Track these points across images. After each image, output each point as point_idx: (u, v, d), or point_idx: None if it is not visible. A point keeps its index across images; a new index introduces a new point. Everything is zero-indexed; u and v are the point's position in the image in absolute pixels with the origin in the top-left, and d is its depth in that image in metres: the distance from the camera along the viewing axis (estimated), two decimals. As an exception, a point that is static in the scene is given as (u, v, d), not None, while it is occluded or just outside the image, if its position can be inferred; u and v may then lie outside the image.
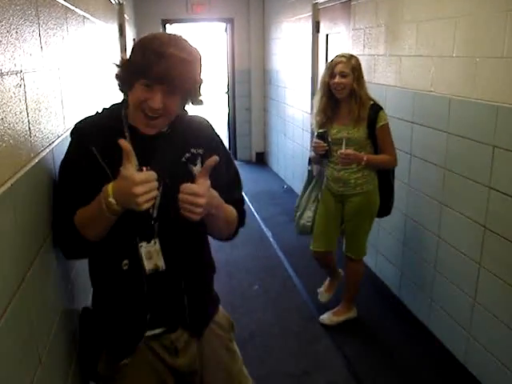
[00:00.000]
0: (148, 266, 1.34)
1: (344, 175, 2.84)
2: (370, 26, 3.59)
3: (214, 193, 1.25)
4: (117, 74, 1.29)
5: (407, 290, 3.31)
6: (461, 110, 2.59)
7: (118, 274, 1.34)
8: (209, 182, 1.22)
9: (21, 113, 1.12)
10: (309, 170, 3.13)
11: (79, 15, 2.10)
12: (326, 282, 3.30)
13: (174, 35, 1.27)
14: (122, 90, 1.33)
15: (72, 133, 1.35)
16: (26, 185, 1.12)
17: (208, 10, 7.00)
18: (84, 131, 1.33)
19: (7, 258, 0.97)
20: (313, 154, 2.92)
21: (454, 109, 2.64)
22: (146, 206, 1.15)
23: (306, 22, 5.11)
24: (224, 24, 7.30)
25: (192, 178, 1.25)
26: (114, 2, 3.86)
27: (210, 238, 1.53)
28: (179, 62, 1.19)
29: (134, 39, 5.28)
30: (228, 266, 3.88)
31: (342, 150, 2.69)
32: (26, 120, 1.16)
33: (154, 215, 1.33)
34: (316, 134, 2.81)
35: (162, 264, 1.35)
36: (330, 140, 2.78)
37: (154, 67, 1.18)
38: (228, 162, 1.48)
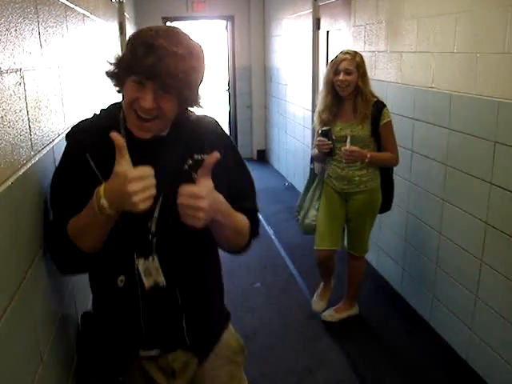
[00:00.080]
0: (147, 282, 1.23)
1: (348, 173, 2.82)
2: (371, 22, 3.58)
3: (220, 197, 1.12)
4: (107, 72, 1.17)
5: (409, 286, 3.31)
6: (462, 106, 2.58)
7: (113, 290, 1.25)
8: (211, 183, 1.09)
9: (21, 111, 1.12)
10: (311, 169, 3.11)
11: (79, 13, 2.10)
12: (320, 290, 3.21)
13: (170, 27, 1.15)
14: (118, 91, 1.21)
15: (67, 136, 1.26)
16: (26, 183, 1.12)
17: (208, 7, 6.99)
18: (78, 136, 1.23)
19: (7, 257, 0.97)
20: (315, 151, 2.89)
21: (455, 105, 2.63)
22: (142, 206, 1.02)
23: (307, 18, 5.10)
24: (224, 21, 7.29)
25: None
26: (114, 0, 3.85)
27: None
28: (168, 55, 1.05)
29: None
30: (229, 263, 3.88)
31: (347, 147, 2.67)
32: (26, 118, 1.16)
33: (153, 229, 1.21)
34: (320, 131, 2.78)
35: (162, 280, 1.23)
36: (333, 138, 2.75)
37: (142, 61, 1.05)
38: (239, 168, 1.35)
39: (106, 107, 1.29)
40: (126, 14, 4.50)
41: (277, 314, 3.26)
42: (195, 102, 1.18)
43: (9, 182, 0.99)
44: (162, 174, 1.07)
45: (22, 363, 1.00)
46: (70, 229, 1.16)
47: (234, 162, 1.32)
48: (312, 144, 3.17)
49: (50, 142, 1.40)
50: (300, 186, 4.81)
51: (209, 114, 1.34)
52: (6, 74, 1.02)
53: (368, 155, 2.71)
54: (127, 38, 1.17)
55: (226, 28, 7.33)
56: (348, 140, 2.69)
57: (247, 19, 7.15)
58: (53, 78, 1.49)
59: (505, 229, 2.29)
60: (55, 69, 1.53)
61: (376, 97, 2.79)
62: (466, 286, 2.63)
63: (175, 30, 1.13)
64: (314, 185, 3.06)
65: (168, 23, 6.98)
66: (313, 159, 3.07)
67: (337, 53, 2.83)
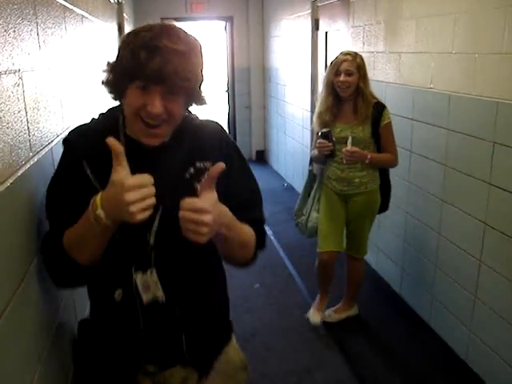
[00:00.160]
0: (146, 297, 1.17)
1: (349, 174, 2.80)
2: (370, 22, 3.58)
3: (224, 208, 1.05)
4: (104, 81, 1.10)
5: (408, 286, 3.31)
6: (461, 107, 2.58)
7: (111, 304, 1.19)
8: (215, 195, 1.02)
9: (19, 112, 1.12)
10: (309, 170, 3.09)
11: (78, 14, 2.10)
12: (317, 301, 3.15)
13: (166, 24, 1.06)
14: (115, 98, 1.15)
15: (64, 142, 1.19)
16: (24, 184, 1.12)
17: (207, 8, 7.00)
18: (75, 142, 1.17)
19: (6, 257, 0.97)
20: (315, 152, 2.87)
21: (454, 105, 2.63)
22: (140, 216, 0.96)
23: (306, 19, 5.10)
24: (223, 22, 7.30)
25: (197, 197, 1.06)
26: (112, 1, 3.85)
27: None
28: (176, 54, 1.00)
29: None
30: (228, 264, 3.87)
31: (348, 148, 2.66)
32: (25, 119, 1.16)
33: (151, 242, 1.15)
34: (320, 133, 2.76)
35: (161, 294, 1.17)
36: (334, 139, 2.73)
37: (147, 65, 0.99)
38: (245, 176, 1.27)
39: (104, 112, 1.24)
40: (124, 14, 4.50)
41: (276, 315, 3.26)
42: (201, 99, 1.14)
43: (8, 183, 0.99)
44: (162, 183, 1.01)
45: (16, 371, 0.99)
46: (66, 240, 1.10)
47: (239, 169, 1.24)
48: (311, 145, 3.14)
49: (49, 143, 1.40)
50: (299, 186, 4.81)
51: (212, 118, 1.29)
52: (4, 75, 1.02)
53: (368, 156, 2.70)
54: (121, 41, 1.09)
55: (225, 29, 7.33)
56: (349, 141, 2.67)
57: (246, 20, 7.15)
58: (51, 79, 1.49)
59: (504, 229, 2.30)
60: (54, 70, 1.53)
61: (376, 98, 2.79)
62: (465, 286, 2.63)
63: (173, 27, 1.06)
64: (314, 188, 3.02)
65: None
66: (312, 161, 3.05)
67: (336, 53, 2.82)
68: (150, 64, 0.99)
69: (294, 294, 3.54)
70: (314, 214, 2.99)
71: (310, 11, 4.96)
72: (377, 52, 3.50)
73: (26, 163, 1.14)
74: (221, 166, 1.01)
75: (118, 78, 1.07)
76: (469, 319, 2.61)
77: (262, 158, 7.62)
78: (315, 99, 3.09)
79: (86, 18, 2.35)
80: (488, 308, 2.45)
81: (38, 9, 1.38)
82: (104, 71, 1.10)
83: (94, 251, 1.10)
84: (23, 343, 1.03)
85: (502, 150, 2.28)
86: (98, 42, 2.76)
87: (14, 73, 1.10)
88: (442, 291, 2.88)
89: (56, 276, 1.17)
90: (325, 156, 2.80)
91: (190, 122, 1.20)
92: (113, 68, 1.09)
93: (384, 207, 2.96)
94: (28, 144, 1.18)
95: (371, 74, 3.47)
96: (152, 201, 0.98)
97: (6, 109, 1.02)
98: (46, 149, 1.36)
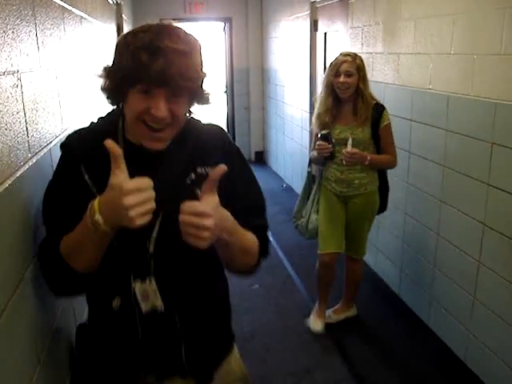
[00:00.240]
0: (145, 306, 1.13)
1: (349, 176, 2.79)
2: (368, 23, 3.59)
3: (225, 213, 1.02)
4: (105, 87, 1.06)
5: (407, 287, 3.31)
6: (459, 108, 2.59)
7: (109, 312, 1.15)
8: (216, 199, 0.99)
9: (18, 113, 1.12)
10: (308, 172, 3.06)
11: (76, 15, 2.10)
12: (317, 308, 3.11)
13: (165, 24, 1.03)
14: (113, 103, 1.12)
15: (61, 146, 1.15)
16: (23, 185, 1.12)
17: (206, 9, 7.00)
18: (72, 146, 1.13)
19: (5, 259, 0.97)
20: (315, 154, 2.84)
21: (453, 106, 2.64)
22: (140, 221, 0.92)
23: (304, 20, 5.11)
24: (222, 23, 7.30)
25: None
26: (111, 2, 3.85)
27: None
28: (178, 55, 0.97)
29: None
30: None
31: (348, 149, 2.64)
32: (24, 120, 1.16)
33: (151, 250, 1.11)
34: (320, 135, 2.73)
35: (160, 304, 1.14)
36: (333, 141, 2.71)
37: (150, 67, 0.96)
38: (248, 181, 1.24)
39: (103, 116, 1.20)
40: (123, 15, 4.51)
41: (275, 315, 3.26)
42: (204, 98, 1.11)
43: (6, 184, 0.99)
44: (162, 189, 0.98)
45: (12, 378, 0.97)
46: (63, 247, 1.07)
47: (242, 174, 1.21)
48: (310, 146, 3.13)
49: (48, 144, 1.40)
50: (298, 187, 4.81)
51: (213, 121, 1.27)
52: (2, 76, 1.02)
53: (368, 158, 2.69)
54: (117, 43, 1.05)
55: (224, 30, 7.34)
56: (349, 142, 2.66)
57: (245, 21, 7.16)
58: (50, 79, 1.49)
59: (502, 230, 2.30)
60: (53, 71, 1.53)
61: (375, 99, 2.78)
62: (464, 286, 2.63)
63: (173, 26, 1.03)
64: (313, 190, 2.99)
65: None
66: (311, 162, 3.03)
67: (334, 54, 2.81)
68: (152, 66, 0.96)
69: (292, 294, 3.54)
70: (314, 216, 2.97)
71: (308, 12, 4.96)
72: (375, 53, 3.50)
73: (24, 164, 1.14)
74: (222, 168, 0.98)
75: (118, 82, 1.03)
76: (467, 319, 2.61)
77: (260, 158, 7.62)
78: (314, 100, 3.08)
79: (85, 19, 2.36)
80: (487, 308, 2.45)
81: (37, 10, 1.38)
82: (100, 76, 1.05)
83: (91, 258, 1.06)
84: (18, 349, 1.02)
85: (500, 151, 2.28)
86: (96, 43, 2.76)
87: (13, 74, 1.10)
88: (440, 292, 2.89)
89: (53, 284, 1.14)
90: (324, 158, 2.78)
91: (192, 126, 1.17)
92: (110, 72, 1.05)
93: (382, 208, 2.96)
94: (27, 145, 1.18)
95: (370, 74, 3.47)
96: (152, 205, 0.94)
97: (5, 110, 1.02)
98: (45, 150, 1.36)
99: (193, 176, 1.13)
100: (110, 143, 0.94)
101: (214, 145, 1.18)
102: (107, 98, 1.09)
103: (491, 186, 2.35)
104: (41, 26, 1.41)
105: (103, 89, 1.07)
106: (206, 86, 1.10)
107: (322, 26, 4.80)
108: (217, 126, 1.25)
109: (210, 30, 7.91)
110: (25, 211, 1.13)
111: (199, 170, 1.13)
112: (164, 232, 1.10)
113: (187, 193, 1.08)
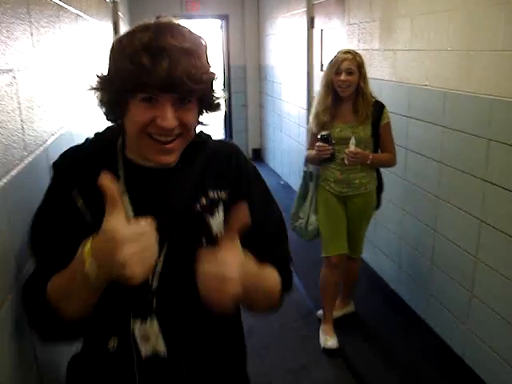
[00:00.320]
0: (145, 350, 0.98)
1: (349, 176, 2.74)
2: (365, 20, 3.58)
3: (247, 260, 0.88)
4: (103, 100, 0.92)
5: (404, 284, 3.32)
6: (456, 104, 2.59)
7: (104, 354, 0.99)
8: (239, 248, 0.86)
9: (13, 111, 1.11)
10: (304, 171, 2.99)
11: (72, 13, 2.09)
12: (324, 326, 2.95)
13: (165, 22, 0.90)
14: (112, 120, 0.98)
15: (54, 166, 1.02)
16: (19, 184, 1.12)
17: (203, 6, 7.00)
18: (65, 169, 0.99)
19: (5, 257, 0.97)
20: (311, 153, 2.79)
21: (450, 102, 2.64)
22: (140, 277, 0.78)
23: (301, 17, 5.10)
24: (219, 21, 7.30)
25: (210, 235, 0.92)
26: (107, 0, 3.84)
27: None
28: (183, 55, 0.84)
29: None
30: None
31: (352, 149, 2.61)
32: (19, 118, 1.16)
33: (154, 286, 0.96)
34: (320, 136, 2.67)
35: (162, 348, 0.98)
36: (334, 142, 2.66)
37: (153, 70, 0.82)
38: (266, 206, 1.09)
39: (100, 131, 1.07)
40: (119, 13, 4.48)
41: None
42: (215, 104, 0.97)
43: (2, 183, 0.99)
44: (168, 216, 0.87)
45: None
46: (51, 289, 0.91)
47: (260, 199, 1.07)
48: (307, 145, 3.08)
49: (44, 143, 1.39)
50: (295, 184, 4.80)
51: (228, 140, 1.14)
52: (-3, 75, 1.02)
53: (370, 157, 2.66)
54: (111, 48, 0.92)
55: (221, 27, 7.33)
56: (352, 141, 2.62)
57: (242, 18, 7.15)
58: (46, 78, 1.49)
59: (499, 226, 2.30)
60: (48, 69, 1.53)
61: (374, 97, 2.76)
62: (461, 283, 2.63)
63: (175, 24, 0.90)
64: (311, 191, 2.93)
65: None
66: (307, 161, 2.97)
67: (331, 51, 2.80)
68: (156, 69, 0.82)
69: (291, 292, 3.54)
70: (313, 217, 2.91)
71: (305, 9, 4.96)
72: (372, 50, 3.50)
73: (20, 163, 1.14)
74: (243, 208, 0.85)
75: (115, 93, 0.89)
76: (465, 316, 2.62)
77: (258, 156, 7.62)
78: (311, 98, 3.06)
79: (81, 16, 2.35)
80: (484, 304, 2.45)
81: (32, 8, 1.37)
82: (94, 89, 0.92)
83: (82, 305, 0.90)
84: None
85: (497, 147, 2.28)
86: (92, 40, 2.76)
87: (8, 72, 1.09)
88: (438, 288, 2.89)
89: (40, 330, 0.97)
90: (324, 160, 2.72)
91: (202, 142, 1.03)
92: (106, 82, 0.91)
93: (377, 204, 2.94)
94: (22, 143, 1.17)
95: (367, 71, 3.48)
96: (152, 254, 0.80)
97: (0, 108, 1.02)
98: (41, 148, 1.35)
99: (204, 201, 0.99)
100: (104, 182, 0.79)
101: (228, 165, 1.04)
102: (106, 114, 0.96)
103: (488, 183, 2.36)
104: (36, 24, 1.40)
105: (101, 103, 0.94)
106: (217, 89, 0.96)
107: (319, 22, 4.79)
108: (230, 142, 1.12)
109: (207, 28, 7.91)
110: (21, 211, 1.13)
111: (211, 194, 1.00)
112: (169, 266, 0.96)
113: (197, 220, 0.97)
